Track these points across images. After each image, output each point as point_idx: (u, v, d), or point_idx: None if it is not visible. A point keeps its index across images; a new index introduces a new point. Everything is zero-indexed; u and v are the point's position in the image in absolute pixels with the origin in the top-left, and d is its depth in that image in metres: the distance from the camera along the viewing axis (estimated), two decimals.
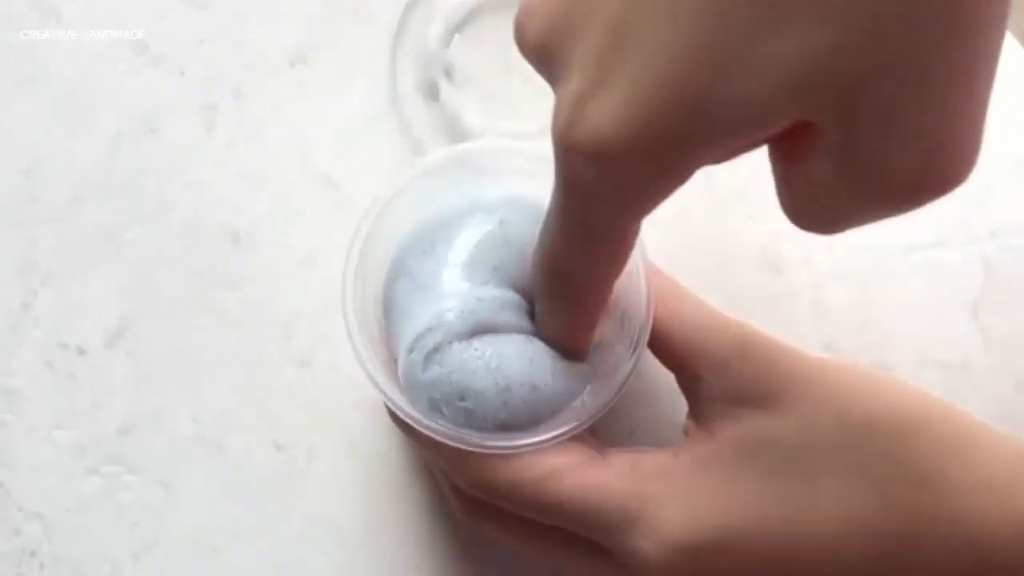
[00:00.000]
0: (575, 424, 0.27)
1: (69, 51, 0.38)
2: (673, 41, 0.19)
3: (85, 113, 0.38)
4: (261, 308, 0.36)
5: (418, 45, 0.37)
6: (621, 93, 0.19)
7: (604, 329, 0.29)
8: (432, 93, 0.36)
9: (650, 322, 0.28)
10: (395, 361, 0.30)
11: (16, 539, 0.35)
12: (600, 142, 0.20)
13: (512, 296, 0.29)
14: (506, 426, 0.28)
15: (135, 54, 0.38)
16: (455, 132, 0.36)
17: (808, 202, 0.22)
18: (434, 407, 0.28)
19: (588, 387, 0.29)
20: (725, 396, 0.27)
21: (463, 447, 0.27)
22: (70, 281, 0.37)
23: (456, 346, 0.28)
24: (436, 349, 0.28)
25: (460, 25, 0.37)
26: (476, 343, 0.28)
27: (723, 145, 0.20)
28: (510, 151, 0.30)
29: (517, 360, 0.28)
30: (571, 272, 0.25)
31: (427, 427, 0.27)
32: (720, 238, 0.37)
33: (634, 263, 0.28)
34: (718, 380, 0.28)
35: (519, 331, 0.28)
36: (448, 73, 0.37)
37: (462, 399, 0.28)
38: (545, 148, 0.22)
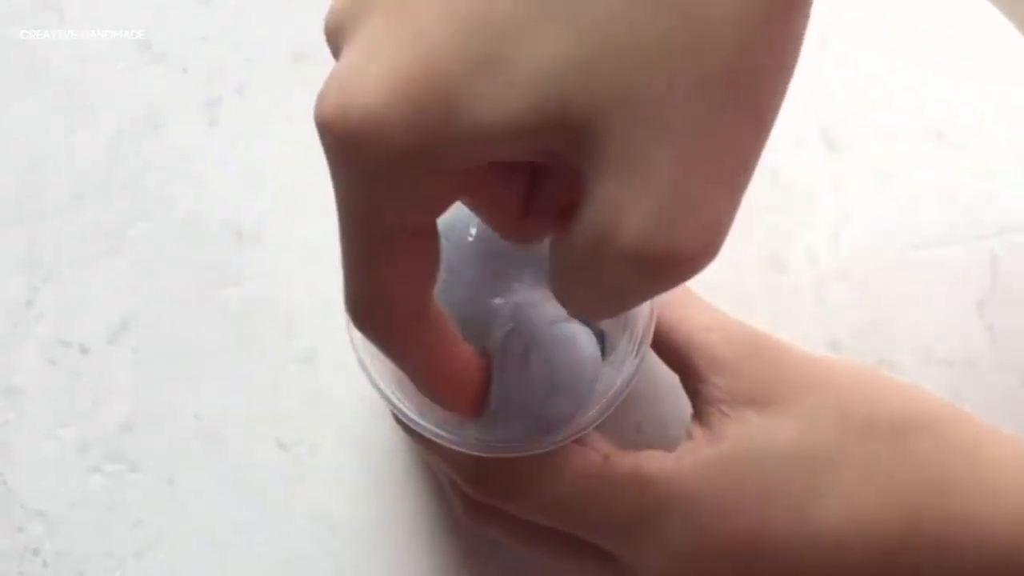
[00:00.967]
0: (579, 429, 0.27)
1: (71, 48, 0.38)
2: (443, 27, 0.18)
3: (87, 110, 0.38)
4: (264, 305, 0.36)
5: None
6: (380, 70, 0.18)
7: (608, 328, 0.29)
8: None
9: (654, 321, 0.28)
10: None
11: (19, 537, 0.35)
12: (347, 115, 0.18)
13: (542, 292, 0.28)
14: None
15: (137, 51, 0.38)
16: None
17: (563, 278, 0.20)
18: None
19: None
20: (729, 398, 0.27)
21: (466, 451, 0.27)
22: (72, 278, 0.37)
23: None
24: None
25: None
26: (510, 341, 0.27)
27: (474, 148, 0.18)
28: None
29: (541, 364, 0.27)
30: (362, 296, 0.23)
31: (431, 432, 0.27)
32: None
33: None
34: (722, 382, 0.27)
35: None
36: None
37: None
38: None
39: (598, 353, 0.28)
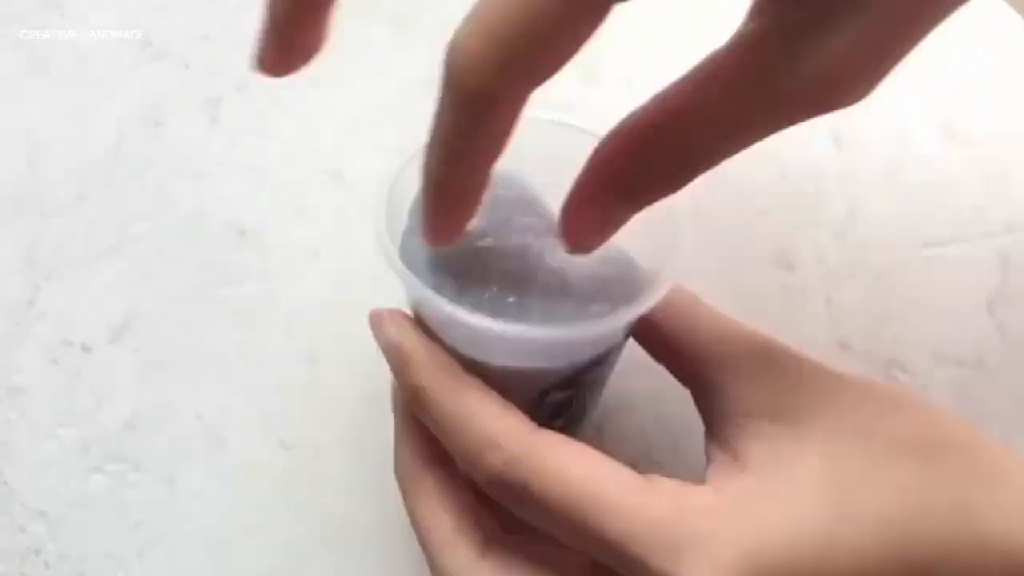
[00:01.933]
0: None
1: (72, 47, 0.38)
2: None
3: (88, 109, 0.38)
4: (266, 304, 0.36)
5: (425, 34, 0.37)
6: None
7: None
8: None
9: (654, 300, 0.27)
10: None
11: (20, 537, 0.35)
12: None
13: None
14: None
15: (138, 49, 0.38)
16: None
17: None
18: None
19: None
20: (745, 410, 0.27)
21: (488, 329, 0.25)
22: (73, 277, 0.36)
23: None
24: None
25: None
26: None
27: None
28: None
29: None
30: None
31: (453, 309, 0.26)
32: (731, 234, 0.36)
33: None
34: (737, 393, 0.27)
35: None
36: None
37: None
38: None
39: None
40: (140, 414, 0.36)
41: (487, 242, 0.28)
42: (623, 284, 0.28)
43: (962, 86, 0.37)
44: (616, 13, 0.20)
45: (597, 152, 0.24)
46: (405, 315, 0.28)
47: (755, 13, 0.22)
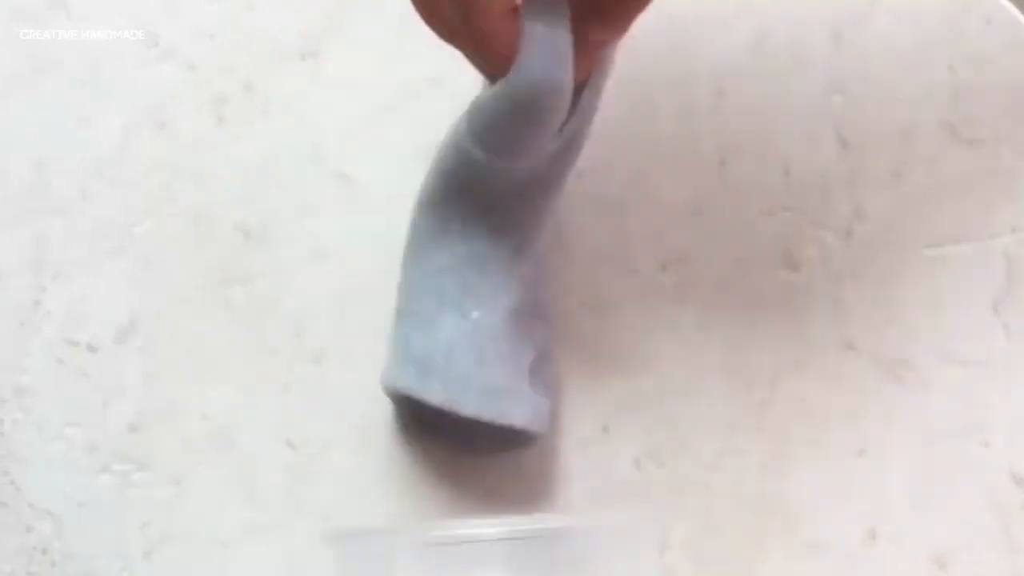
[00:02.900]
0: None
1: (78, 46, 0.38)
2: None
3: (95, 107, 0.38)
4: (273, 303, 0.36)
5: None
6: None
7: None
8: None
9: None
10: None
11: (28, 536, 0.35)
12: None
13: None
14: None
15: (145, 48, 0.38)
16: None
17: None
18: None
19: None
20: None
21: None
22: (80, 277, 0.36)
23: None
24: None
25: None
26: None
27: None
28: None
29: None
30: None
31: None
32: (736, 234, 0.36)
33: None
34: None
35: None
36: None
37: None
38: None
39: None
40: (146, 414, 0.36)
41: None
42: None
43: (967, 86, 0.37)
44: None
45: None
46: None
47: None
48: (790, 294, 0.36)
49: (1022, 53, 0.37)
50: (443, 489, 0.35)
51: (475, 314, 0.32)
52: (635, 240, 0.36)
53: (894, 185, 0.36)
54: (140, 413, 0.36)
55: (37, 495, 0.35)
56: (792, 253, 0.36)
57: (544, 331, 0.34)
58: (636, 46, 0.32)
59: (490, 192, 0.32)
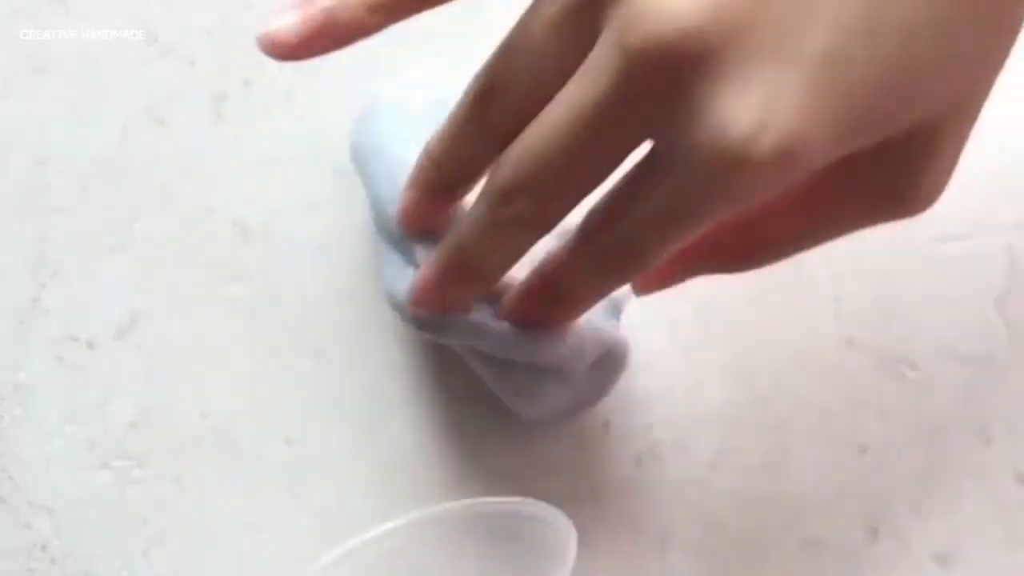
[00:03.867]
0: None
1: (77, 44, 0.38)
2: (870, 60, 0.21)
3: (93, 105, 0.38)
4: (272, 300, 0.36)
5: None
6: (812, 95, 0.21)
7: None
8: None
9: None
10: None
11: (27, 533, 0.35)
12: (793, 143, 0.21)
13: None
14: None
15: (144, 45, 0.38)
16: None
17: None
18: None
19: None
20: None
21: None
22: (79, 274, 0.36)
23: None
24: None
25: None
26: None
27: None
28: None
29: None
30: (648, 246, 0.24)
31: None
32: None
33: None
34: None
35: None
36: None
37: None
38: None
39: None
40: (146, 411, 0.36)
41: None
42: None
43: None
44: None
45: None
46: None
47: None
48: (792, 290, 0.35)
49: None
50: (443, 488, 0.35)
51: None
52: None
53: None
54: (140, 410, 0.36)
55: (36, 492, 0.35)
56: None
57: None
58: None
59: None
